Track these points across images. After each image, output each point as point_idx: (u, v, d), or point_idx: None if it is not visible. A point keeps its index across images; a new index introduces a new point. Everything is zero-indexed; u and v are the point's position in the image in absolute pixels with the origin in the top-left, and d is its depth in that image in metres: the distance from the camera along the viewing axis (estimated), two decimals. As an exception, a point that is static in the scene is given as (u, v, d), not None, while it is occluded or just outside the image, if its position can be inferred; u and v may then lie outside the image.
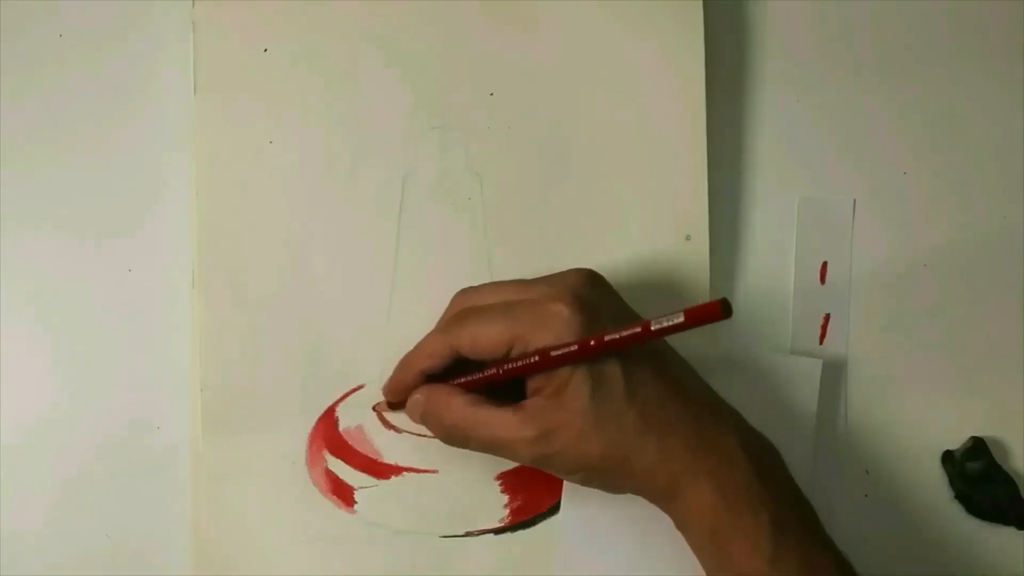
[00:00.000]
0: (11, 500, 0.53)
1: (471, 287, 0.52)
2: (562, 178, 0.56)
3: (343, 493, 0.53)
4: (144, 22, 0.56)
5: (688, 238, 0.56)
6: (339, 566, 0.53)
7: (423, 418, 0.50)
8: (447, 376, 0.50)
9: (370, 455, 0.54)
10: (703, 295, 0.56)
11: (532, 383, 0.48)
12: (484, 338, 0.48)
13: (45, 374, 0.54)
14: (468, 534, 0.54)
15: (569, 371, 0.47)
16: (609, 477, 0.48)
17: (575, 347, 0.46)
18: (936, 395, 0.59)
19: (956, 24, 0.61)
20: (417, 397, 0.50)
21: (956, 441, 0.59)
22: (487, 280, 0.54)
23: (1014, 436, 0.59)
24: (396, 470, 0.54)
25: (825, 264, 0.59)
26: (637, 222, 0.56)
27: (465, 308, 0.50)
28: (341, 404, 0.54)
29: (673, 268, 0.56)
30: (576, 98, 0.56)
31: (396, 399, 0.52)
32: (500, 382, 0.49)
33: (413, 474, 0.54)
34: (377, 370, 0.54)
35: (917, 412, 0.59)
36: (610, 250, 0.56)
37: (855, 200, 0.59)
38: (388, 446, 0.54)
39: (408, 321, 0.54)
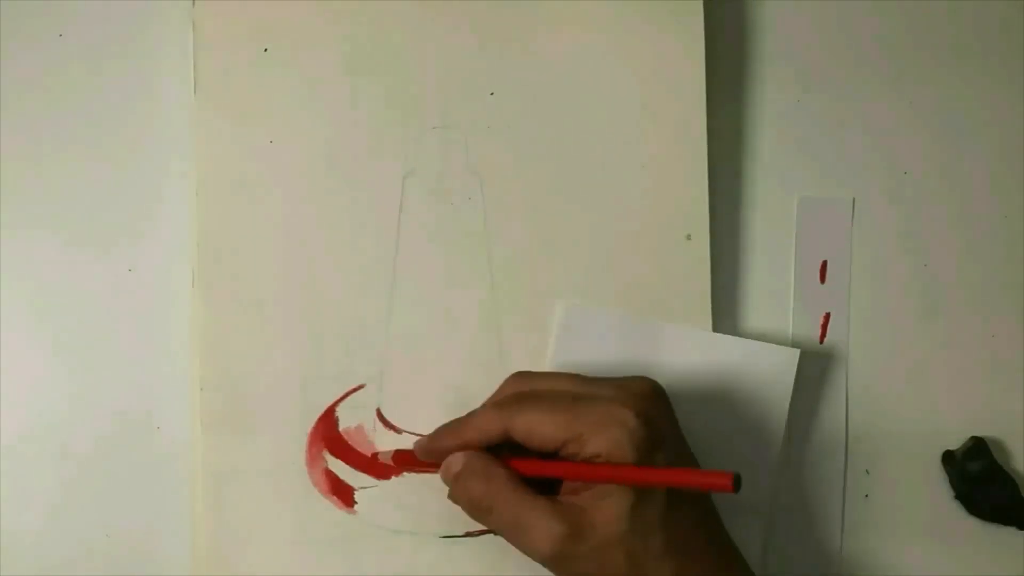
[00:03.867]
0: (11, 500, 0.53)
1: (530, 371, 0.51)
2: (562, 178, 0.56)
3: (343, 493, 0.53)
4: (144, 22, 0.56)
5: (689, 237, 0.56)
6: (339, 566, 0.53)
7: (455, 479, 0.49)
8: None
9: (370, 455, 0.54)
10: (704, 295, 0.56)
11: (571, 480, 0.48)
12: (542, 428, 0.47)
13: (45, 374, 0.54)
14: (468, 534, 0.54)
15: None
16: None
17: (634, 477, 0.46)
18: (936, 395, 0.59)
19: (956, 24, 0.61)
20: (457, 458, 0.49)
21: (956, 441, 0.59)
22: (486, 280, 0.54)
23: (1014, 436, 0.59)
24: (396, 470, 0.54)
25: (825, 263, 0.59)
26: (637, 222, 0.56)
27: (526, 392, 0.49)
28: (341, 404, 0.54)
29: (674, 268, 0.56)
30: (576, 98, 0.56)
31: (427, 460, 0.51)
32: (545, 476, 0.48)
33: (413, 474, 0.54)
34: (377, 370, 0.54)
35: (917, 412, 0.59)
36: (610, 250, 0.56)
37: (855, 200, 0.59)
38: (389, 446, 0.54)
39: (408, 321, 0.54)
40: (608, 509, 0.46)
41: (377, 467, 0.54)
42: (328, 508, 0.53)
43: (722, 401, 0.55)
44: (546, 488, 0.48)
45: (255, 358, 0.53)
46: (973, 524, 0.58)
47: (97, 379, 0.54)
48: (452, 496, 0.49)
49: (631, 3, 0.57)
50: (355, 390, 0.54)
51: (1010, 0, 0.61)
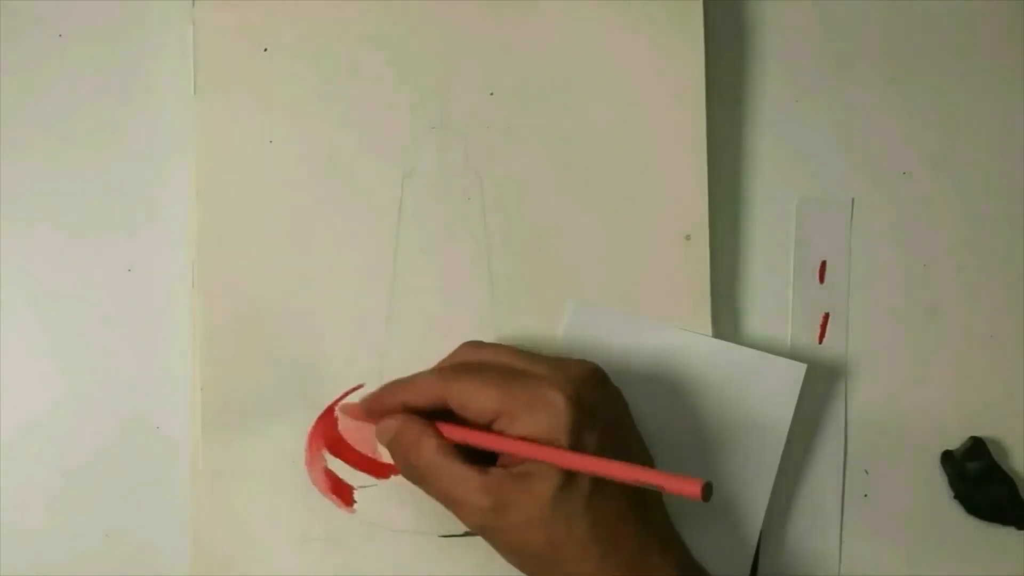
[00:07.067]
0: (10, 499, 0.53)
1: (480, 341, 0.52)
2: (562, 178, 0.56)
3: (342, 492, 0.53)
4: (144, 22, 0.56)
5: (688, 238, 0.56)
6: (339, 566, 0.53)
7: (390, 445, 0.50)
8: (431, 414, 0.50)
9: (369, 454, 0.54)
10: (703, 295, 0.56)
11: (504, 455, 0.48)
12: (474, 401, 0.48)
13: (44, 373, 0.54)
14: (468, 533, 0.54)
15: None
16: (542, 571, 0.48)
17: (555, 461, 0.46)
18: (936, 395, 0.59)
19: (956, 24, 0.61)
20: (391, 423, 0.50)
21: (956, 441, 0.59)
22: (486, 280, 0.54)
23: (1014, 436, 0.59)
24: (395, 469, 0.54)
25: (824, 263, 0.59)
26: (637, 222, 0.56)
27: (467, 361, 0.50)
28: (340, 403, 0.54)
29: (673, 268, 0.56)
30: (576, 98, 0.57)
31: (370, 417, 0.52)
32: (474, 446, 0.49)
33: (413, 474, 0.54)
34: (376, 370, 0.54)
35: (916, 412, 0.59)
36: (610, 250, 0.56)
37: (854, 200, 0.59)
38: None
39: (407, 321, 0.54)
40: (532, 489, 0.46)
41: (376, 466, 0.54)
42: (328, 507, 0.53)
43: (725, 407, 0.55)
44: (487, 453, 0.48)
45: (255, 358, 0.53)
46: (972, 524, 0.58)
47: (97, 379, 0.54)
48: (393, 460, 0.50)
49: (631, 3, 0.57)
50: (355, 390, 0.54)
51: (1010, 0, 0.61)
